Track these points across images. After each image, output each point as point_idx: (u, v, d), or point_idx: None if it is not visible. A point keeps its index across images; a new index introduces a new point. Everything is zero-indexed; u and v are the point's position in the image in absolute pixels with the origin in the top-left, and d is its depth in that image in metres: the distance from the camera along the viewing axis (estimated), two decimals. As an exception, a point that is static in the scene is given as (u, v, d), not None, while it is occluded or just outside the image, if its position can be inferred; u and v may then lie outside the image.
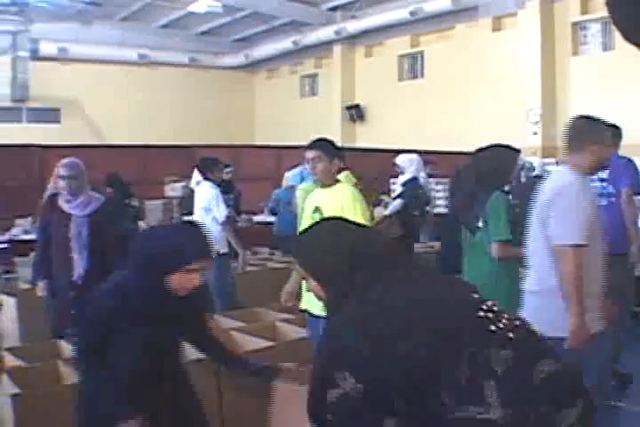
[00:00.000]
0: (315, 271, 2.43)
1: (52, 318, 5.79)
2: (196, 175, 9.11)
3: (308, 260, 2.46)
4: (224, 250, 7.52)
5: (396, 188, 9.31)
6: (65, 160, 5.83)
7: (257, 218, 12.36)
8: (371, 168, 14.01)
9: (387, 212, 8.85)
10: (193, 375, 3.90)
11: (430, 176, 11.65)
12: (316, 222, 2.59)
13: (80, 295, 5.73)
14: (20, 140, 15.70)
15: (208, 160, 8.00)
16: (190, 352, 4.82)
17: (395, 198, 9.03)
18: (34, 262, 6.08)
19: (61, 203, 5.73)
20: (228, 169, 9.90)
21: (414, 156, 9.29)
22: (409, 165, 9.02)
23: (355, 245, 2.39)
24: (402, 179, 9.06)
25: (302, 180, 9.21)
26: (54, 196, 5.78)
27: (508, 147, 4.97)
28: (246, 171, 11.61)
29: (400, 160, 9.13)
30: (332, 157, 4.87)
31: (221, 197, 7.60)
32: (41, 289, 5.72)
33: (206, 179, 7.77)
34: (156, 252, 2.93)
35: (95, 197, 5.97)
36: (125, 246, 6.33)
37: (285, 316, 5.96)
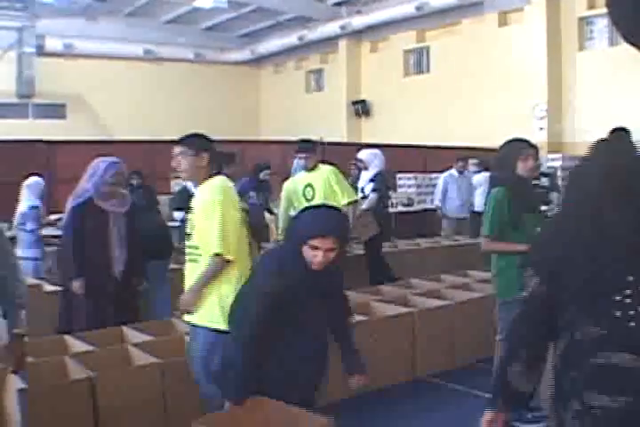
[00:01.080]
0: None
1: (93, 315, 5.74)
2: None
3: None
4: None
5: (363, 184, 9.16)
6: (113, 165, 5.77)
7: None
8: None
9: (364, 206, 8.72)
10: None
11: (461, 173, 11.59)
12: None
13: (120, 292, 5.80)
14: (26, 135, 15.69)
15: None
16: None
17: (367, 196, 8.91)
18: (63, 261, 6.00)
19: (97, 201, 5.73)
20: (267, 171, 9.93)
21: (376, 150, 9.33)
22: (372, 159, 9.02)
23: None
24: (367, 175, 9.03)
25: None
26: (91, 198, 5.76)
27: (519, 140, 4.92)
28: (251, 166, 11.56)
29: (364, 155, 9.13)
30: (198, 151, 4.45)
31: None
32: (78, 287, 5.69)
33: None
34: (294, 226, 3.40)
35: (125, 193, 6.05)
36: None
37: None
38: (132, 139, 15.87)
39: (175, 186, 11.59)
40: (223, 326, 3.91)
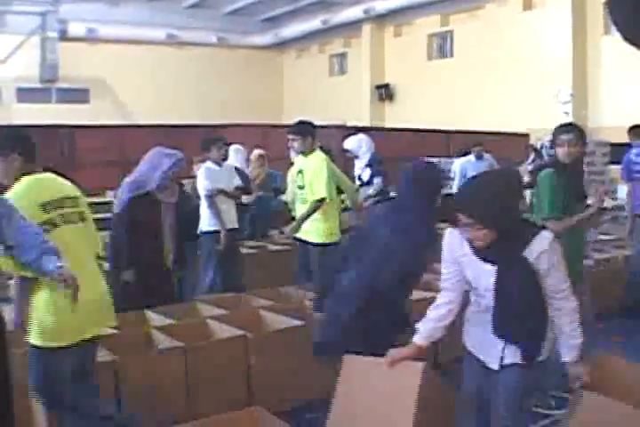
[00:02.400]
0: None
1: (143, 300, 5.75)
2: (232, 157, 9.20)
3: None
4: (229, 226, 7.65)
5: (358, 172, 8.63)
6: (178, 163, 5.79)
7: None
8: (399, 148, 13.96)
9: (370, 191, 8.36)
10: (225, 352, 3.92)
11: (479, 158, 11.46)
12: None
13: (167, 281, 5.92)
14: (50, 120, 15.78)
15: (206, 140, 7.95)
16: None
17: (367, 183, 8.49)
18: (114, 247, 5.98)
19: (155, 193, 5.82)
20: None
21: (361, 135, 8.83)
22: (359, 146, 8.56)
23: None
24: (360, 162, 8.58)
25: None
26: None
27: (560, 126, 4.94)
28: (274, 150, 11.53)
29: (349, 144, 8.64)
30: (8, 153, 3.79)
31: (208, 174, 7.66)
32: (130, 275, 5.77)
33: (209, 159, 7.85)
34: (438, 181, 4.01)
35: (174, 184, 6.13)
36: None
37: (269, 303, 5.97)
38: (154, 123, 15.92)
39: (197, 170, 11.57)
40: (39, 342, 3.64)
